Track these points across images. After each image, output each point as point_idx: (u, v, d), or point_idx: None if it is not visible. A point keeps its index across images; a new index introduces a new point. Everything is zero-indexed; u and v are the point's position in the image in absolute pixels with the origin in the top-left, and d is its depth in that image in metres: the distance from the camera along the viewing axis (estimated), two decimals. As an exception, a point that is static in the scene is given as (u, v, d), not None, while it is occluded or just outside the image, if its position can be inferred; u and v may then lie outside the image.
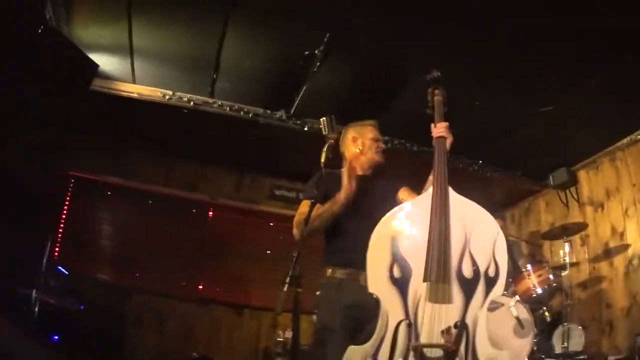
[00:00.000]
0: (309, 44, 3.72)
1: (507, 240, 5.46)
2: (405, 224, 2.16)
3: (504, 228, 5.23)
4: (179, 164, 5.54)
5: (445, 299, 1.97)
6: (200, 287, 5.28)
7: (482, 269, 2.03)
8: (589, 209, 5.82)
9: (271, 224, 5.78)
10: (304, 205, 2.68)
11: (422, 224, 2.10)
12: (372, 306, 2.12)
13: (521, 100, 4.51)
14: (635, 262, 5.19)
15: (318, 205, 2.57)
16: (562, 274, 4.71)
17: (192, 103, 4.26)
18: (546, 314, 4.49)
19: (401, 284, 2.03)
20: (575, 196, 6.02)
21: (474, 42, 3.73)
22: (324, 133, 2.65)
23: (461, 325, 1.92)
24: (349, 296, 2.60)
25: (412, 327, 1.95)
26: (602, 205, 5.66)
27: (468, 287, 2.00)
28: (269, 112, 4.42)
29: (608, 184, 5.61)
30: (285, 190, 5.95)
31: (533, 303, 4.36)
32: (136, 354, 4.75)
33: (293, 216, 2.79)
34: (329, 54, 3.76)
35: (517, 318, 4.07)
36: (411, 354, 1.91)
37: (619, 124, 5.14)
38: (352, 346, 2.04)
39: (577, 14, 3.39)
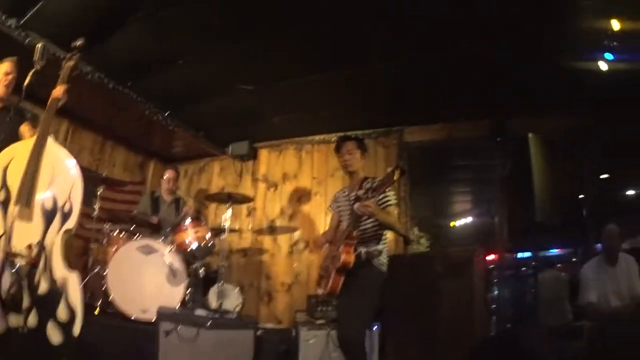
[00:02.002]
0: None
1: (175, 193, 5.72)
2: (11, 158, 2.67)
3: (174, 180, 5.51)
4: None
5: (29, 219, 2.57)
6: None
7: (59, 205, 2.62)
8: (261, 186, 6.47)
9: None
10: None
11: (23, 159, 2.63)
12: None
13: (230, 71, 4.76)
14: (300, 245, 5.99)
15: None
16: (222, 236, 5.12)
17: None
18: (201, 269, 4.74)
19: (5, 206, 2.58)
20: (251, 170, 6.59)
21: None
22: (34, 58, 2.84)
23: (39, 245, 2.52)
24: None
25: (8, 239, 2.49)
26: (276, 186, 6.37)
27: (48, 216, 2.61)
28: (3, 17, 3.95)
29: (288, 169, 6.34)
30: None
31: (188, 256, 4.61)
32: None
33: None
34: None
35: (170, 266, 4.35)
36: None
37: (320, 122, 5.83)
38: None
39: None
